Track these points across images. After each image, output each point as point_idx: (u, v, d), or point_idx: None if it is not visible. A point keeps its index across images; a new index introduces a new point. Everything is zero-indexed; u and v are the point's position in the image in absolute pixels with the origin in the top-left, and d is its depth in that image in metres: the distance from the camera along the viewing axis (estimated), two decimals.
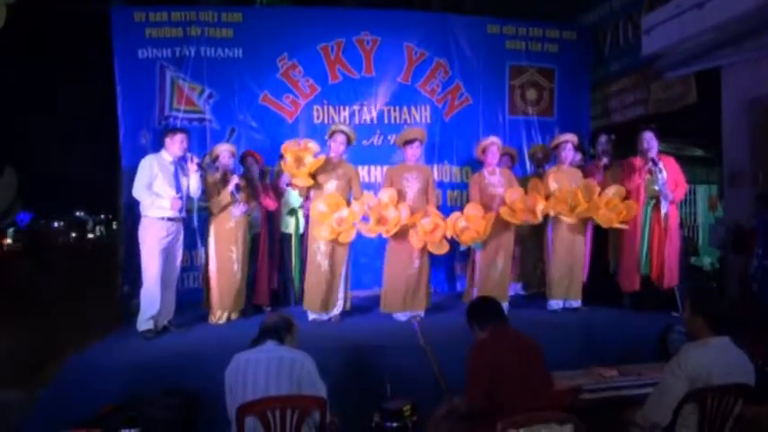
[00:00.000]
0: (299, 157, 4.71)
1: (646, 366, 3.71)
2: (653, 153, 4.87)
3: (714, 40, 5.41)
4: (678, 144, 7.24)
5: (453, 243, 6.44)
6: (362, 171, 6.38)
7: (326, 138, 5.07)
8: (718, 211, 6.09)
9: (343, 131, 4.97)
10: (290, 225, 5.34)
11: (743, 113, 5.54)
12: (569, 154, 5.20)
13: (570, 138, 5.26)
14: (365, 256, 6.01)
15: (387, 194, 4.79)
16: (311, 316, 4.84)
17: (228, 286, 4.90)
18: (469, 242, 4.86)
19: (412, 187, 4.95)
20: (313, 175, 4.80)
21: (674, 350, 2.80)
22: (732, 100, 5.67)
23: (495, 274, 5.06)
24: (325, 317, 4.85)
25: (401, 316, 4.88)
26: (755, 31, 5.11)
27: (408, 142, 5.02)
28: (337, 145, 4.94)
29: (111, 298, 5.86)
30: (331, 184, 4.87)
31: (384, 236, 4.83)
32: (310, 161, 4.72)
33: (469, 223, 4.79)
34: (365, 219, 4.84)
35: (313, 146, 4.79)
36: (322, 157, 4.83)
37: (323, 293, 4.80)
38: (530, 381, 2.63)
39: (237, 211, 4.91)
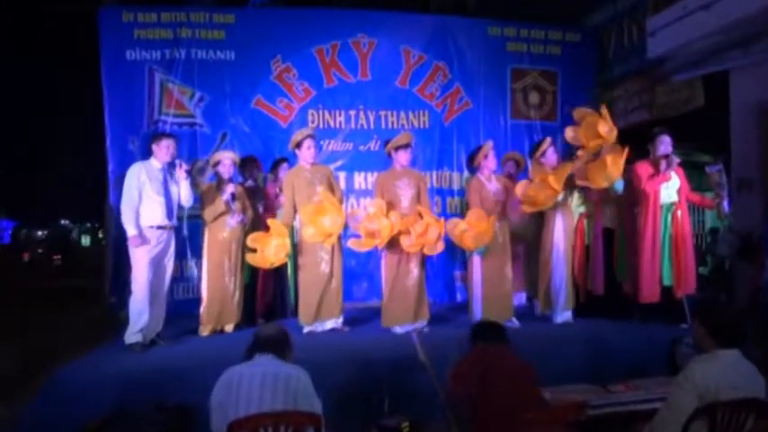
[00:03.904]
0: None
1: (654, 381, 3.70)
2: (674, 158, 4.85)
3: (721, 43, 5.43)
4: (685, 149, 7.27)
5: (452, 251, 6.48)
6: (359, 177, 6.42)
7: (292, 149, 5.05)
8: (728, 219, 6.10)
9: (310, 135, 4.99)
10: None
11: (752, 118, 5.55)
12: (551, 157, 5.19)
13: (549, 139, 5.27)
14: (361, 266, 6.01)
15: (374, 205, 4.77)
16: (306, 328, 4.83)
17: (220, 298, 4.89)
18: (474, 246, 4.78)
19: (405, 194, 4.94)
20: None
21: (684, 363, 2.80)
22: (741, 104, 5.69)
23: (501, 288, 5.00)
24: (319, 328, 4.85)
25: (398, 329, 4.87)
26: (764, 32, 5.14)
27: (399, 148, 5.01)
28: (311, 151, 4.95)
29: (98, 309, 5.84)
30: (318, 191, 4.86)
31: (379, 248, 4.83)
32: (278, 243, 4.72)
33: (470, 226, 4.75)
34: (356, 235, 4.85)
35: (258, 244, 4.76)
36: (282, 227, 4.80)
37: (321, 302, 4.82)
38: (516, 405, 2.67)
39: (233, 220, 4.92)
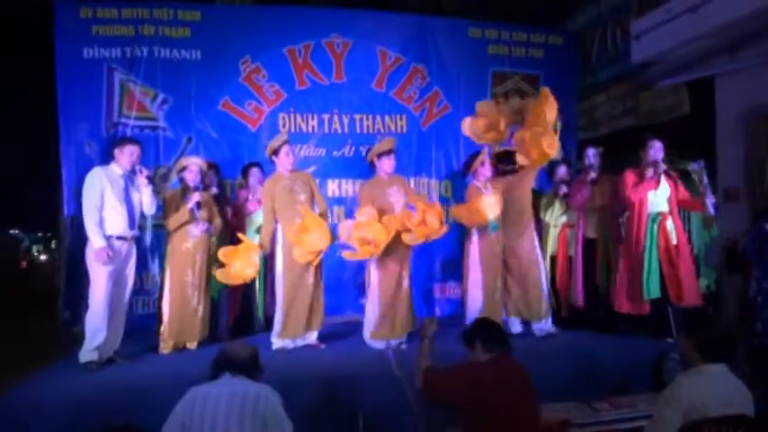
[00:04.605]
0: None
1: (639, 397, 3.76)
2: (661, 164, 4.90)
3: (707, 47, 5.55)
4: (670, 157, 7.41)
5: (431, 263, 6.50)
6: (332, 185, 6.41)
7: (269, 156, 5.04)
8: (714, 230, 6.23)
9: (287, 142, 5.01)
10: None
11: (737, 125, 5.67)
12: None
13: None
14: (336, 279, 5.98)
15: (365, 213, 4.78)
16: (276, 345, 4.80)
17: (181, 313, 4.84)
18: (492, 215, 4.76)
19: (398, 201, 4.98)
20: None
21: (670, 379, 2.85)
22: (726, 111, 5.80)
23: (495, 299, 5.04)
24: (290, 345, 4.82)
25: (374, 343, 4.88)
26: (751, 37, 5.26)
27: (382, 154, 5.05)
28: (289, 158, 4.96)
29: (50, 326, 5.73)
30: (300, 199, 4.87)
31: (374, 255, 4.81)
32: (247, 259, 4.72)
33: (475, 204, 4.76)
34: (348, 247, 4.86)
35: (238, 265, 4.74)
36: (251, 243, 4.82)
37: (306, 315, 4.82)
38: (518, 418, 2.67)
39: (196, 230, 4.87)
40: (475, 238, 5.15)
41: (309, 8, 6.66)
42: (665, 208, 4.97)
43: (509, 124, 4.89)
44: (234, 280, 4.72)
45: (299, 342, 4.87)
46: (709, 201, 4.84)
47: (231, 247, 4.71)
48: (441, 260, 6.61)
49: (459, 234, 6.62)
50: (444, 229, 4.87)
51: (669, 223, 4.94)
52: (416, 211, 4.79)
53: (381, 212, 4.83)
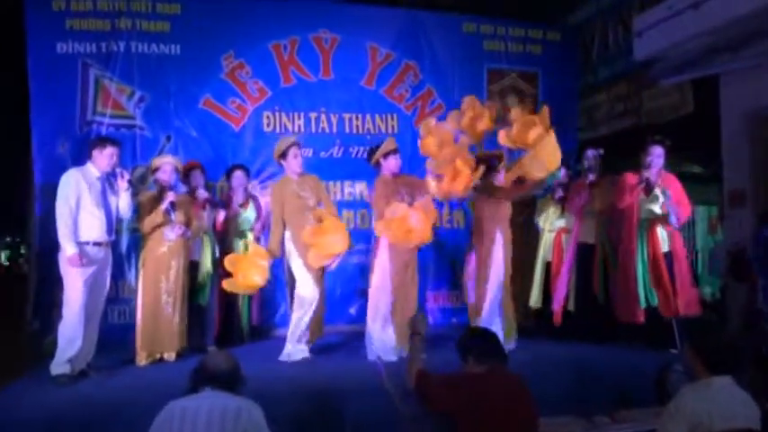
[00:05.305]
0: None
1: (642, 411, 3.76)
2: (653, 172, 4.92)
3: (711, 45, 5.58)
4: (673, 159, 7.45)
5: (425, 269, 6.50)
6: None
7: (276, 159, 5.06)
8: (718, 235, 6.27)
9: (295, 144, 5.01)
10: (239, 250, 5.28)
11: (743, 126, 5.70)
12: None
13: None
14: (327, 288, 5.95)
15: (396, 209, 4.67)
16: (292, 354, 4.80)
17: (155, 321, 4.80)
18: (554, 161, 4.64)
19: (417, 199, 4.91)
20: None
21: (674, 392, 2.85)
22: (731, 111, 5.83)
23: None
24: (306, 354, 4.84)
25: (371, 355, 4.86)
26: (756, 35, 5.30)
27: (389, 153, 5.06)
28: (297, 160, 4.97)
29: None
30: (309, 204, 4.88)
31: (426, 240, 4.74)
32: (260, 266, 4.72)
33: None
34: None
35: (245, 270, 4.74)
36: (260, 249, 4.84)
37: (316, 323, 4.87)
38: (514, 429, 2.67)
39: (172, 233, 4.83)
40: (499, 238, 5.02)
41: (296, 1, 6.63)
42: (655, 215, 5.00)
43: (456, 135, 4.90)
44: (242, 289, 4.71)
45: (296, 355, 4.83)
46: (672, 211, 4.86)
47: (239, 255, 4.71)
48: (434, 267, 6.61)
49: (454, 240, 6.64)
50: (478, 173, 4.71)
51: (659, 230, 4.98)
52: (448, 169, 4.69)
53: None
